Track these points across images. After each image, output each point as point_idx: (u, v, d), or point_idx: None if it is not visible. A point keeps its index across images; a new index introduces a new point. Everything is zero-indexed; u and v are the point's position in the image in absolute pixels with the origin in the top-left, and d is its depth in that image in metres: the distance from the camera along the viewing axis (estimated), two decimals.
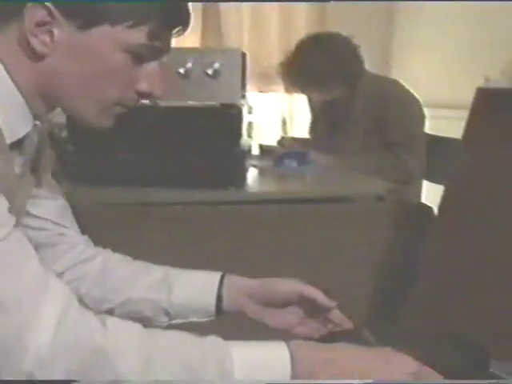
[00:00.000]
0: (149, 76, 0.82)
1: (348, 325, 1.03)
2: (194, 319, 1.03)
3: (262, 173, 2.06)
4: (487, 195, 1.28)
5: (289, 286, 1.03)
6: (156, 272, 1.04)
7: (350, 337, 0.95)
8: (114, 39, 0.78)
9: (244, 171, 1.69)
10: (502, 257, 1.22)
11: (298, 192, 1.69)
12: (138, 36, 0.78)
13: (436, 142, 2.59)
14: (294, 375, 0.73)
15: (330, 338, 0.98)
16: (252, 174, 2.06)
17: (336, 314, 1.03)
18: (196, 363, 0.72)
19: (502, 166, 1.27)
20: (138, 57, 0.80)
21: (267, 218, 1.54)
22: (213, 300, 1.01)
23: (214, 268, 1.04)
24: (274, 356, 0.75)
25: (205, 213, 1.52)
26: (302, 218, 1.55)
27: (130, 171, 1.53)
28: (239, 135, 1.56)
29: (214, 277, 1.03)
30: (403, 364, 0.77)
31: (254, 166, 2.04)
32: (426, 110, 2.69)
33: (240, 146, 1.57)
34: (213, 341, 0.75)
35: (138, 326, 0.74)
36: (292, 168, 2.09)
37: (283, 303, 1.03)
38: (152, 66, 0.82)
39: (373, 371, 0.76)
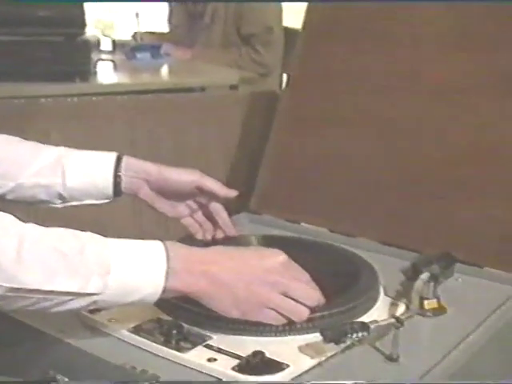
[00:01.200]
0: None
1: (231, 232, 1.06)
2: (92, 202, 1.01)
3: (116, 67, 2.02)
4: (324, 86, 1.32)
5: (187, 176, 1.02)
6: (48, 154, 0.99)
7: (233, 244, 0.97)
8: None
9: (88, 62, 1.63)
10: (338, 153, 1.28)
11: (150, 83, 1.66)
12: None
13: (295, 35, 2.60)
14: (171, 271, 0.74)
15: (213, 244, 1.00)
16: (105, 68, 2.02)
17: (224, 219, 1.05)
18: (71, 252, 0.71)
19: (334, 57, 1.31)
20: None
21: (120, 109, 1.51)
22: (110, 182, 0.99)
23: None
24: (149, 249, 0.75)
25: (52, 106, 1.46)
26: (155, 108, 1.53)
27: None
28: (82, 25, 1.49)
29: (109, 158, 1.00)
30: (274, 254, 0.82)
31: (104, 59, 1.99)
32: (283, 4, 2.69)
33: (84, 36, 1.52)
34: (90, 234, 0.75)
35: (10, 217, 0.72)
36: (146, 61, 2.06)
37: (179, 193, 1.03)
38: None
39: (248, 265, 0.80)
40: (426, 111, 1.21)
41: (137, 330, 0.82)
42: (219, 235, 1.07)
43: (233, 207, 1.50)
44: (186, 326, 0.81)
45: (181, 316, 0.83)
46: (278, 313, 0.80)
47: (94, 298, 0.72)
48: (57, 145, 1.40)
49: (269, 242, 1.10)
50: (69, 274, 0.70)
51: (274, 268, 0.80)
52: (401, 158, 1.22)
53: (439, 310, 0.92)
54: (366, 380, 0.74)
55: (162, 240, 0.77)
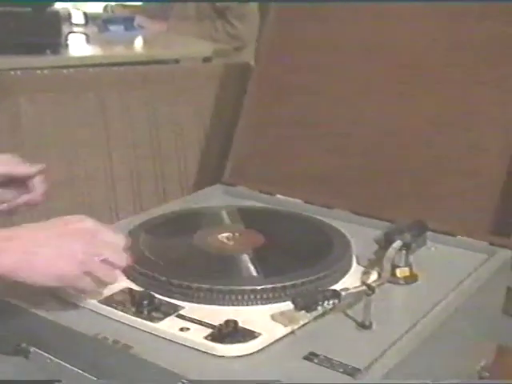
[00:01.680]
0: None
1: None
2: None
3: (88, 39, 2.00)
4: (296, 56, 1.31)
5: None
6: None
7: None
8: None
9: (59, 34, 1.60)
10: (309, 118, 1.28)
11: (123, 56, 1.64)
12: None
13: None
14: None
15: None
16: (78, 41, 1.99)
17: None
18: None
19: (305, 27, 1.30)
20: None
21: (92, 82, 1.48)
22: None
23: None
24: None
25: (23, 79, 1.44)
26: (128, 80, 1.51)
27: None
28: None
29: None
30: (77, 219, 0.78)
31: (76, 32, 1.96)
32: None
33: (53, 8, 1.49)
34: None
35: None
36: (119, 33, 2.04)
37: None
38: None
39: (54, 234, 0.76)
40: (398, 81, 1.20)
41: (108, 301, 0.81)
42: None
43: (206, 179, 1.50)
44: (157, 296, 0.81)
45: (152, 286, 0.83)
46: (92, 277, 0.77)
47: None
48: (28, 118, 1.39)
49: (243, 213, 1.10)
50: None
51: (81, 230, 0.77)
52: (375, 129, 1.22)
53: (411, 278, 0.92)
54: (339, 347, 0.75)
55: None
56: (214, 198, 1.26)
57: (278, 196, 1.25)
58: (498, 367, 1.02)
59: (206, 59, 1.68)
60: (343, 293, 0.79)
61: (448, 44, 1.16)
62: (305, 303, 0.76)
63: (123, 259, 0.79)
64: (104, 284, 0.78)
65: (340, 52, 1.26)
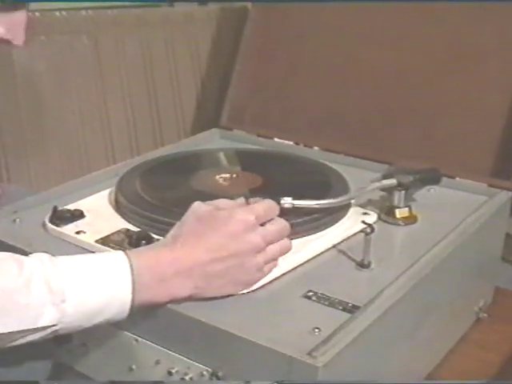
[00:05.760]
0: (13, 24, 0.76)
1: None
2: None
3: None
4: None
5: None
6: None
7: None
8: None
9: None
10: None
11: None
12: None
13: None
14: (138, 284, 0.65)
15: None
16: None
17: None
18: (15, 285, 0.61)
19: None
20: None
21: (85, 25, 1.45)
22: None
23: None
24: (109, 264, 0.65)
25: None
26: (122, 23, 1.47)
27: None
28: None
29: None
30: (225, 217, 0.72)
31: None
32: None
33: None
34: (36, 257, 0.64)
35: None
36: None
37: None
38: (20, 15, 0.77)
39: (218, 236, 0.70)
40: (406, 24, 1.18)
41: (105, 241, 0.80)
42: None
43: (203, 124, 1.48)
44: (155, 236, 0.80)
45: (148, 226, 0.82)
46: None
47: (53, 328, 0.62)
48: (20, 61, 1.36)
49: (240, 155, 1.08)
50: (17, 313, 0.60)
51: (243, 232, 0.71)
52: (375, 70, 1.20)
53: (410, 219, 0.92)
54: (338, 285, 0.74)
55: (125, 250, 0.68)
56: (211, 141, 1.25)
57: (276, 139, 1.24)
58: (496, 309, 1.02)
59: (202, 2, 1.65)
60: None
61: None
62: None
63: (285, 232, 0.75)
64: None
65: None
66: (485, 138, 1.11)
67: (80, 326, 0.64)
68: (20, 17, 0.78)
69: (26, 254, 0.65)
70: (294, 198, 0.81)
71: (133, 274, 0.65)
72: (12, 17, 0.77)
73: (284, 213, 0.78)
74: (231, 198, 0.77)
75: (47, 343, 0.65)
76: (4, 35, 0.77)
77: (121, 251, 0.67)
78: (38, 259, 0.64)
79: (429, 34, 1.16)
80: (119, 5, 1.58)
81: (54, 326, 0.62)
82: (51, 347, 0.73)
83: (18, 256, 0.64)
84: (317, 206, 0.83)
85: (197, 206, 0.73)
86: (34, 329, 0.61)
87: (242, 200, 0.77)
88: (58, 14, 1.41)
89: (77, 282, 0.63)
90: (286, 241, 0.75)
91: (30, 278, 0.61)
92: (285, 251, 0.75)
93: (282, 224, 0.75)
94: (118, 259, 0.66)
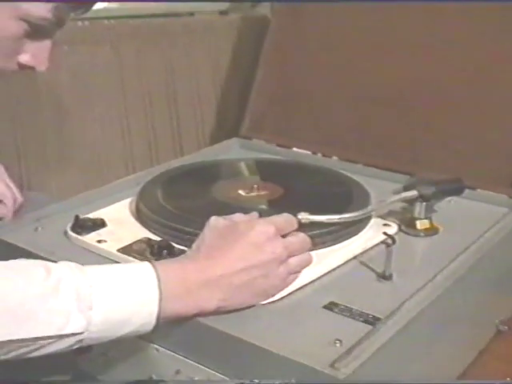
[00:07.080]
0: (38, 52, 0.79)
1: None
2: None
3: None
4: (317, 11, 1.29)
5: None
6: None
7: None
8: (14, 5, 0.72)
9: None
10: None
11: (138, 8, 1.62)
12: (42, 9, 0.73)
13: None
14: (165, 295, 0.64)
15: None
16: None
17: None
18: (44, 291, 0.60)
19: None
20: (34, 30, 0.75)
21: (107, 34, 1.47)
22: None
23: None
24: (136, 274, 0.65)
25: None
26: (143, 33, 1.49)
27: None
28: None
29: None
30: (244, 228, 0.72)
31: None
32: None
33: None
34: (64, 264, 0.64)
35: None
36: None
37: None
38: (45, 43, 0.79)
39: (245, 251, 0.70)
40: (420, 29, 1.18)
41: (127, 250, 0.81)
42: None
43: (223, 133, 1.48)
44: (176, 246, 0.80)
45: (169, 236, 0.82)
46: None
47: (78, 337, 0.62)
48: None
49: (261, 165, 1.09)
50: (44, 318, 0.60)
51: (265, 243, 0.71)
52: (398, 81, 1.20)
53: (431, 230, 0.91)
54: (359, 296, 0.74)
55: (150, 261, 0.68)
56: (231, 151, 1.25)
57: (295, 149, 1.24)
58: None
59: (222, 12, 1.65)
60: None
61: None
62: None
63: (307, 247, 0.76)
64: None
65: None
66: (506, 149, 1.10)
67: (106, 337, 0.63)
68: (46, 45, 0.80)
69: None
70: (313, 212, 0.80)
71: (160, 284, 0.64)
72: (39, 45, 0.79)
73: (302, 226, 0.78)
74: (245, 212, 0.77)
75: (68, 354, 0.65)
76: (28, 62, 0.79)
77: (147, 262, 0.67)
78: (66, 265, 0.63)
79: (450, 43, 1.16)
80: (141, 14, 1.59)
81: (79, 334, 0.61)
82: (72, 357, 0.73)
83: (45, 262, 0.64)
84: (334, 221, 0.83)
85: (215, 220, 0.73)
86: (60, 335, 0.60)
87: (255, 214, 0.77)
88: (80, 23, 1.42)
89: (104, 290, 0.63)
90: (306, 254, 0.76)
91: (58, 282, 0.61)
92: (305, 264, 0.76)
93: (302, 237, 0.76)
94: (144, 269, 0.66)
